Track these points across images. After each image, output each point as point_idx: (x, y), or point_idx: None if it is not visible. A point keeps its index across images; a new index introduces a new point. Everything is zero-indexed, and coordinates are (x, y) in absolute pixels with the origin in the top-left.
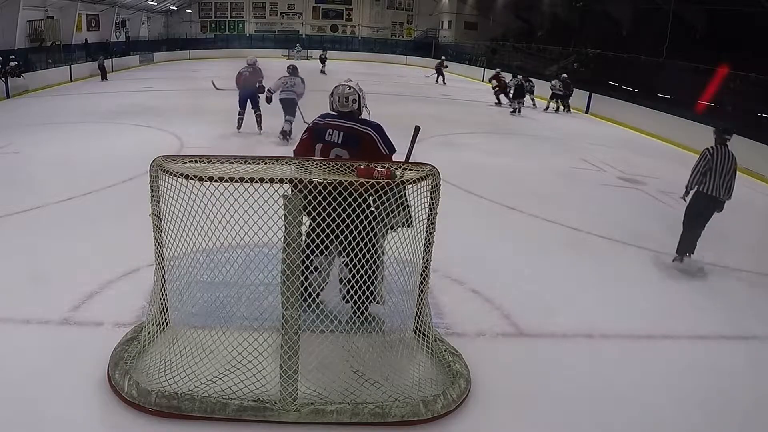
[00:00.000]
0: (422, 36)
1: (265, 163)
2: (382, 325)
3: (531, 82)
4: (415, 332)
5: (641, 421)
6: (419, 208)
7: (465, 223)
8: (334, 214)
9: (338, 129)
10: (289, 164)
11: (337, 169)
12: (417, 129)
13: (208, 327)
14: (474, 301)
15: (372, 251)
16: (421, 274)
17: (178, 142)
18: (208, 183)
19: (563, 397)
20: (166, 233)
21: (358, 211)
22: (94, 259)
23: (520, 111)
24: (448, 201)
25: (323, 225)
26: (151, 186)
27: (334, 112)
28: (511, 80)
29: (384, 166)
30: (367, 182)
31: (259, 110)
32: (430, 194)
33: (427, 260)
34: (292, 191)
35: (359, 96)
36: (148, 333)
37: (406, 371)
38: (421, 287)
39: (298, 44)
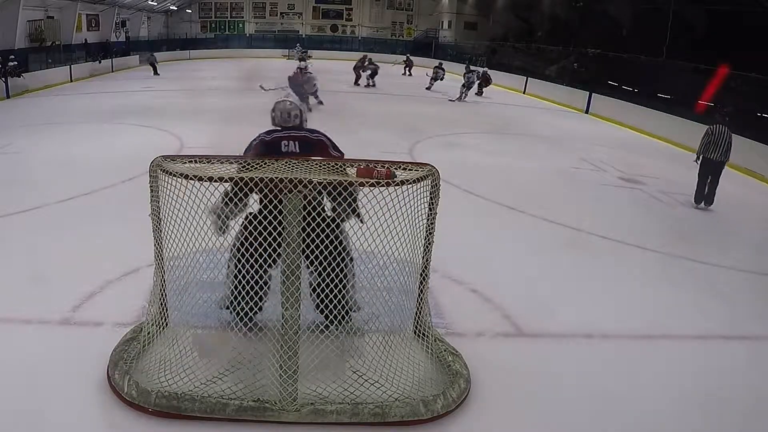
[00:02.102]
0: (422, 36)
1: (265, 163)
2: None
3: (444, 71)
4: (415, 332)
5: (641, 420)
6: (419, 208)
7: (465, 223)
8: (311, 227)
9: (293, 139)
10: (288, 164)
11: (335, 169)
12: None
13: (208, 327)
14: (474, 301)
15: (341, 258)
16: (421, 274)
17: (178, 142)
18: (208, 183)
19: (563, 397)
20: (165, 233)
21: (327, 219)
22: (94, 259)
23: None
24: (448, 201)
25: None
26: (150, 186)
27: (277, 128)
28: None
29: (384, 166)
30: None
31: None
32: (430, 194)
33: (427, 260)
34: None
35: (300, 111)
36: (148, 333)
37: (406, 371)
38: (421, 287)
39: (298, 44)
